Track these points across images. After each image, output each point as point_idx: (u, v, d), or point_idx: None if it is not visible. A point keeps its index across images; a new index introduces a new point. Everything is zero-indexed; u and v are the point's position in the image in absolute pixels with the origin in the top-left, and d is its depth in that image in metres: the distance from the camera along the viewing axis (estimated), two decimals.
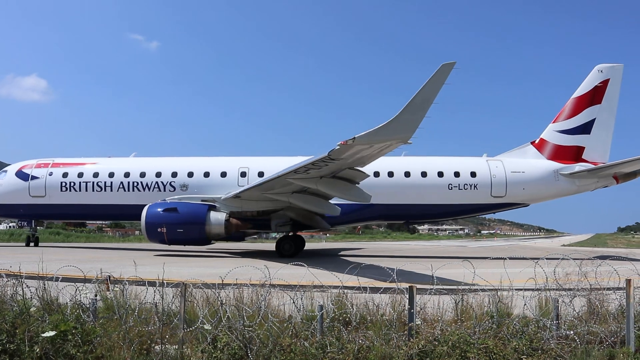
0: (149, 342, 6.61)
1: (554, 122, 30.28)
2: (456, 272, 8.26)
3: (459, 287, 8.06)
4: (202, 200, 26.41)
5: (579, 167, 28.28)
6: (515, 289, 8.16)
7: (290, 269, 8.25)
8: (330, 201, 25.96)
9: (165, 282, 7.48)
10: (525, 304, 7.50)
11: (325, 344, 6.19)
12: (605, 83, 29.25)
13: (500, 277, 8.41)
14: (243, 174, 28.53)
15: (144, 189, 28.93)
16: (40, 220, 32.84)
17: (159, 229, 24.88)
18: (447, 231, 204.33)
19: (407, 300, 6.69)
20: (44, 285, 8.21)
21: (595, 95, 29.45)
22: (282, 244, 26.73)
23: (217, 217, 25.16)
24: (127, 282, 7.96)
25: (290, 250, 26.31)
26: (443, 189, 28.41)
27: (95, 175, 29.58)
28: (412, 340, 6.25)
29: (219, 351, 6.09)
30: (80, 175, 29.72)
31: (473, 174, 28.68)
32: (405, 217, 31.51)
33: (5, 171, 31.35)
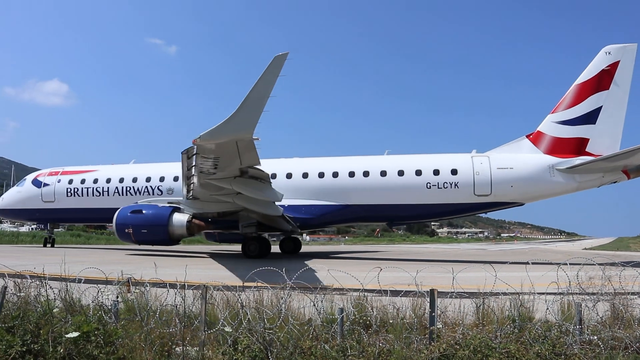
0: (170, 343, 6.67)
1: (552, 113, 27.44)
2: (477, 275, 8.18)
3: (480, 290, 7.95)
4: (168, 203, 27.56)
5: (579, 161, 25.64)
6: (537, 293, 8.04)
7: (311, 271, 8.24)
8: (302, 200, 27.57)
9: (186, 284, 7.54)
10: (547, 308, 7.39)
11: (345, 347, 6.17)
12: (614, 66, 26.10)
13: (521, 280, 8.29)
14: None
15: (135, 194, 30.82)
16: (55, 223, 36.19)
17: (126, 230, 26.56)
18: (467, 234, 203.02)
19: (428, 304, 6.64)
20: (67, 286, 8.32)
21: (601, 81, 26.24)
22: (248, 245, 27.37)
23: (180, 218, 26.17)
24: (148, 284, 8.03)
25: (255, 251, 26.78)
26: (421, 189, 27.25)
27: (95, 181, 32.15)
28: (433, 344, 6.20)
29: (239, 353, 6.11)
30: (83, 181, 32.38)
31: (454, 172, 27.17)
32: (384, 219, 30.43)
33: (25, 180, 34.78)
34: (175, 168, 31.19)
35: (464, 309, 7.60)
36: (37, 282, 8.25)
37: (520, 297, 7.81)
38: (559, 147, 26.52)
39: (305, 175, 29.14)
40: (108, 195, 31.43)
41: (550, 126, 27.06)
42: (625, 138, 26.03)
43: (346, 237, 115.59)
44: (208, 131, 17.16)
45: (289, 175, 29.36)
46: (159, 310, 7.20)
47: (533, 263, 8.25)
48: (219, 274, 15.52)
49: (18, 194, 34.48)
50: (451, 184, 26.92)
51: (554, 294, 7.83)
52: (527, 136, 27.70)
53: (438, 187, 26.96)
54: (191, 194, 25.10)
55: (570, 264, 8.08)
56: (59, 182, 32.90)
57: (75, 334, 6.34)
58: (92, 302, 7.60)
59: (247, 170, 22.12)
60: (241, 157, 20.38)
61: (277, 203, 26.24)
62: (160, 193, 30.27)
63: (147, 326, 6.77)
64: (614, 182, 26.14)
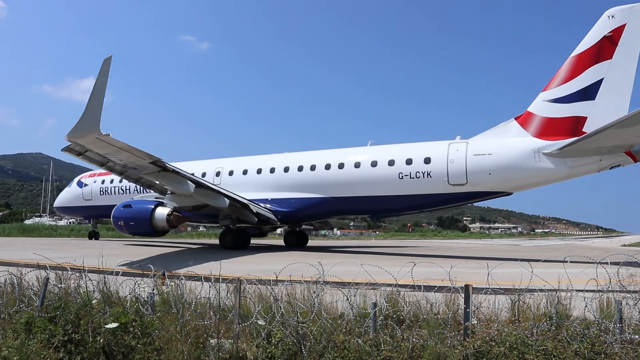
0: (205, 335, 6.77)
1: (544, 91, 24.05)
2: (512, 271, 8.02)
3: (516, 286, 7.80)
4: (156, 198, 29.88)
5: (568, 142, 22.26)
6: (575, 290, 7.85)
7: (344, 265, 8.25)
8: (284, 194, 29.00)
9: (220, 277, 7.63)
10: (586, 306, 7.21)
11: (379, 342, 6.16)
12: (618, 32, 22.19)
13: (558, 277, 8.11)
14: (217, 174, 32.23)
15: (149, 191, 32.98)
16: (96, 218, 41.11)
17: (119, 223, 29.64)
18: (499, 229, 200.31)
19: (462, 300, 6.57)
20: (104, 278, 8.53)
21: (603, 49, 22.44)
22: (224, 236, 29.78)
23: (161, 212, 28.45)
24: (183, 277, 8.17)
25: (229, 243, 29.00)
26: (393, 179, 26.15)
27: (120, 181, 35.03)
28: (467, 340, 6.13)
29: (273, 346, 6.17)
30: (112, 181, 36.24)
31: (427, 160, 25.53)
32: (362, 212, 30.03)
33: (73, 181, 40.16)
34: (184, 166, 34.45)
35: (498, 305, 7.48)
36: (77, 274, 8.49)
37: (558, 293, 7.64)
38: (551, 128, 23.38)
39: (286, 169, 29.99)
40: (129, 193, 34.65)
41: (541, 105, 23.98)
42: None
43: (377, 232, 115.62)
44: (69, 130, 18.85)
45: (272, 170, 30.56)
46: (194, 302, 7.31)
47: (571, 262, 8.02)
48: (251, 268, 15.69)
49: (68, 194, 39.85)
50: (424, 174, 25.44)
51: (593, 291, 7.62)
52: (516, 118, 24.91)
53: (410, 177, 25.73)
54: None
55: (610, 262, 7.85)
56: (94, 182, 37.12)
57: (114, 325, 6.51)
58: (129, 294, 7.78)
59: (162, 165, 23.94)
60: (133, 153, 22.27)
61: (259, 196, 29.14)
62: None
63: (183, 318, 6.89)
64: (617, 166, 22.53)
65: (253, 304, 7.28)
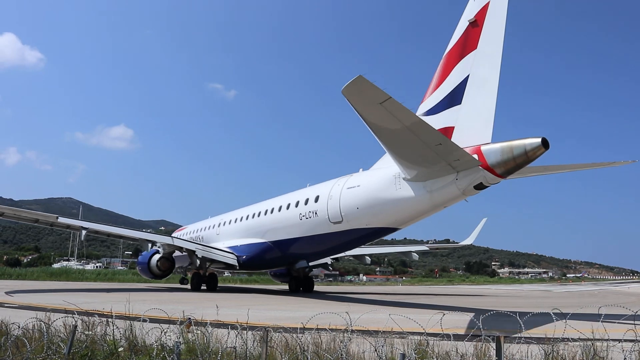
0: None
1: (422, 102, 19.87)
2: (544, 319, 7.78)
3: (548, 335, 7.53)
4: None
5: None
6: (612, 340, 7.53)
7: (370, 314, 8.09)
8: (246, 239, 31.35)
9: (247, 325, 7.56)
10: (625, 358, 6.91)
11: None
12: (482, 14, 17.66)
13: (592, 326, 7.82)
14: (219, 225, 36.73)
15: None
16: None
17: (137, 269, 35.42)
18: (530, 274, 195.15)
19: (494, 351, 6.37)
20: (131, 325, 8.51)
21: (467, 39, 18.04)
22: (192, 278, 34.35)
23: (155, 259, 32.70)
24: (209, 325, 8.11)
25: (195, 285, 33.17)
26: (296, 220, 25.81)
27: (185, 234, 43.05)
28: None
29: None
30: (182, 235, 42.39)
31: (317, 199, 24.42)
32: (294, 256, 29.05)
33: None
34: (208, 222, 40.55)
35: (531, 356, 7.22)
36: (104, 321, 8.51)
37: (593, 344, 7.34)
38: None
39: (247, 217, 32.46)
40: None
41: None
42: (501, 116, 15.55)
43: (403, 278, 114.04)
44: None
45: (240, 219, 33.41)
46: (220, 352, 7.23)
47: (605, 317, 7.68)
48: (276, 315, 15.52)
49: None
50: (313, 213, 24.29)
51: (632, 341, 7.32)
52: None
53: (306, 218, 24.98)
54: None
55: None
56: (177, 237, 40.76)
57: None
58: (155, 342, 7.73)
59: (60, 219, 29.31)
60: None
61: (232, 243, 32.43)
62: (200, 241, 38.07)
63: None
64: (480, 186, 17.34)
65: (280, 354, 7.17)
